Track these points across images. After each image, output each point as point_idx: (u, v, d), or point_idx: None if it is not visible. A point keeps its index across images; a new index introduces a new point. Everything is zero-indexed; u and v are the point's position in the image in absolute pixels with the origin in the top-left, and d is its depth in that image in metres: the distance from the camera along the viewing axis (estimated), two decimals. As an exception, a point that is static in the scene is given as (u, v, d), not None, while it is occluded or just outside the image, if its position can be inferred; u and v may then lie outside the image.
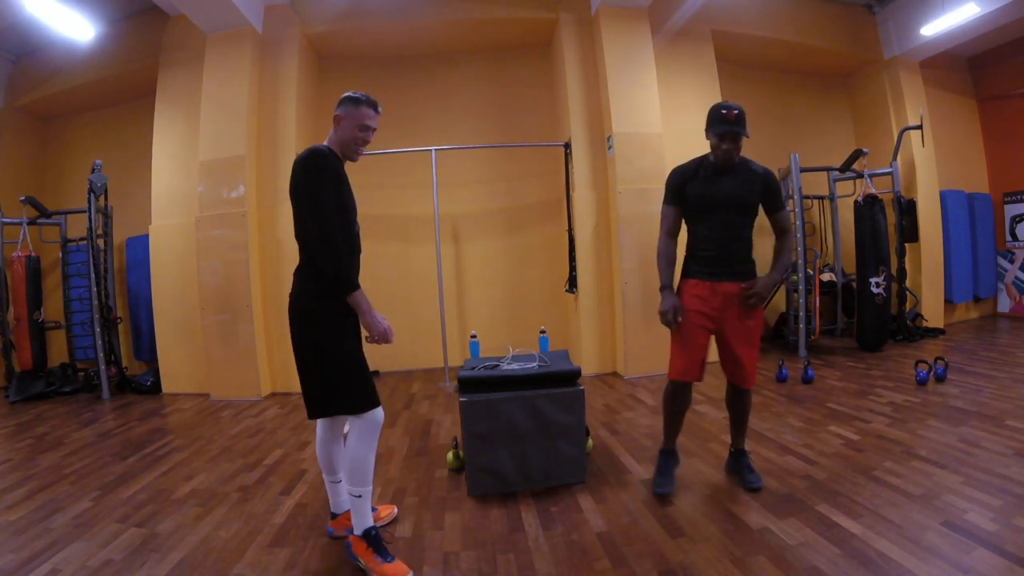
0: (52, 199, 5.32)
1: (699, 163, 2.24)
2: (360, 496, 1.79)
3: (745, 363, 2.20)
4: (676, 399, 2.26)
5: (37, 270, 5.02)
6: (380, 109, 1.90)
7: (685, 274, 2.29)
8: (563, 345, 4.81)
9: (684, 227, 2.30)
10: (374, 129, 1.88)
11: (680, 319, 2.17)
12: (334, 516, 2.04)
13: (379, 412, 1.83)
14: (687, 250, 2.29)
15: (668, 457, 2.32)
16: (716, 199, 2.15)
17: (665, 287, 2.23)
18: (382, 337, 1.80)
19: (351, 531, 1.87)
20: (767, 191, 2.19)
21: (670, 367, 2.24)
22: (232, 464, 2.87)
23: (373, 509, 2.01)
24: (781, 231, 2.26)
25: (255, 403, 4.18)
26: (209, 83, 4.41)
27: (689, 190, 2.20)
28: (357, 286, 1.77)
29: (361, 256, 1.95)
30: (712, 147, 2.16)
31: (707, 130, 2.17)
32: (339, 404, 1.81)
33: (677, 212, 2.28)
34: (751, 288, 2.16)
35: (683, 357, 2.19)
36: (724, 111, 2.10)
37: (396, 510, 2.21)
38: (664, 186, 2.30)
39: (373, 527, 1.81)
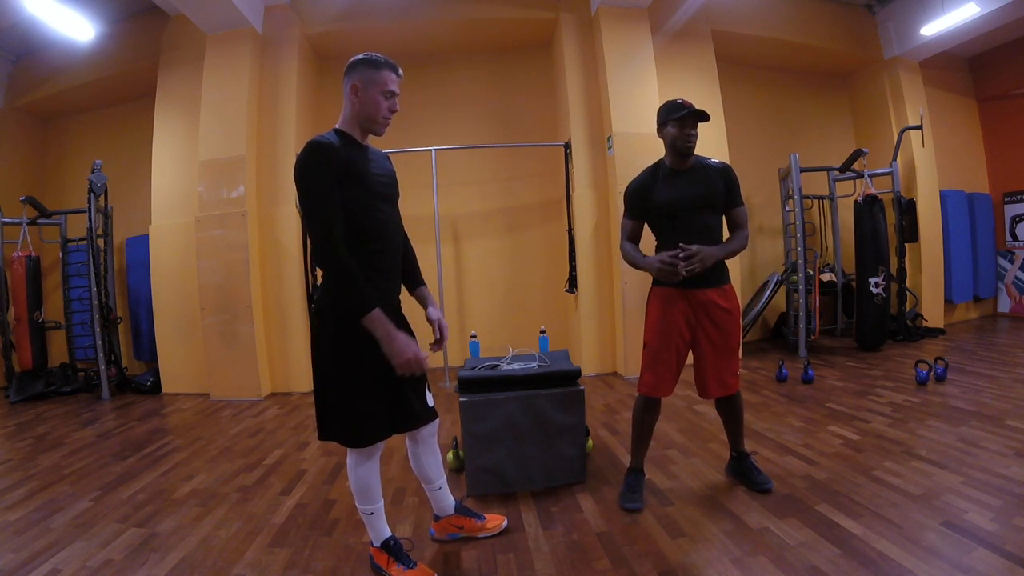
0: (52, 199, 5.32)
1: (654, 169, 2.17)
2: (372, 513, 1.73)
3: (724, 372, 2.14)
4: (648, 413, 2.20)
5: (37, 270, 5.02)
6: (401, 72, 1.64)
7: (658, 282, 2.17)
8: (563, 345, 4.81)
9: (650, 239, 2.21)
10: (398, 95, 1.64)
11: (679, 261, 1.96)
12: (436, 519, 1.99)
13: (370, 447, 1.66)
14: None
15: (638, 475, 2.24)
16: (683, 199, 2.07)
17: (645, 261, 2.09)
18: (409, 366, 1.52)
19: (442, 536, 1.96)
20: (729, 186, 2.12)
21: (643, 382, 2.16)
22: (232, 464, 2.87)
23: (481, 517, 2.00)
24: (737, 227, 2.16)
25: (255, 403, 4.18)
26: (209, 83, 4.42)
27: (653, 197, 2.10)
28: (370, 307, 1.48)
29: (392, 246, 1.69)
30: (673, 139, 2.06)
31: (661, 127, 2.11)
32: (329, 431, 1.64)
33: (639, 226, 2.19)
34: (692, 249, 1.96)
35: (654, 373, 2.13)
36: (678, 101, 2.06)
37: (507, 521, 2.05)
38: (623, 199, 2.19)
39: (391, 537, 1.77)
